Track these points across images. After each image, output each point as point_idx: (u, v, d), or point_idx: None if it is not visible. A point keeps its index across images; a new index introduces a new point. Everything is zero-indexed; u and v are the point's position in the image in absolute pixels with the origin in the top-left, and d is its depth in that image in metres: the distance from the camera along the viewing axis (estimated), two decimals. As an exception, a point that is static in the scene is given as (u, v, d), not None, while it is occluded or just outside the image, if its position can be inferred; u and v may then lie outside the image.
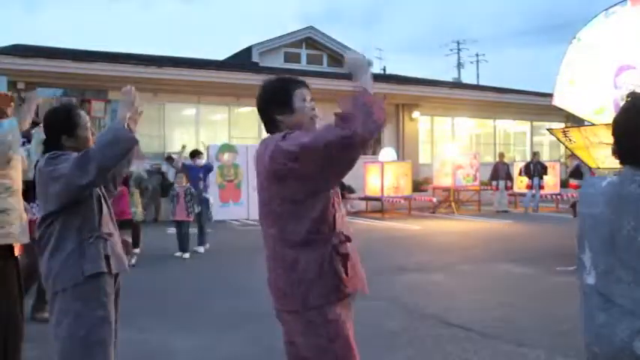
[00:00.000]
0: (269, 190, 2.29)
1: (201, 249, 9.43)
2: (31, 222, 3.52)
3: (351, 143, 2.02)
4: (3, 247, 3.21)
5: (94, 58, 16.15)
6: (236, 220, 14.32)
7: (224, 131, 17.87)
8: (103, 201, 2.83)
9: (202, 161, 10.41)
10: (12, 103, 3.49)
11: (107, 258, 2.70)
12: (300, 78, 2.52)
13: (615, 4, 8.86)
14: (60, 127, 2.79)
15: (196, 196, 9.27)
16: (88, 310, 2.60)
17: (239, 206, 14.97)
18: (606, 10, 8.98)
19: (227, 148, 15.35)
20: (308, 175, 2.12)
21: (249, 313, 5.63)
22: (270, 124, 2.35)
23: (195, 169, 9.82)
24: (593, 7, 9.94)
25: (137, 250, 8.66)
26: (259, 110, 2.39)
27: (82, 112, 2.87)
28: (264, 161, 2.21)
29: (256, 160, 2.34)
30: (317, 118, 2.41)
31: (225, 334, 4.93)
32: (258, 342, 4.76)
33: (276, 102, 2.31)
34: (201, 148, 12.73)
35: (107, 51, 19.58)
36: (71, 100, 9.11)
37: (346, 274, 2.24)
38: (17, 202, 3.27)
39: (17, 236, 3.26)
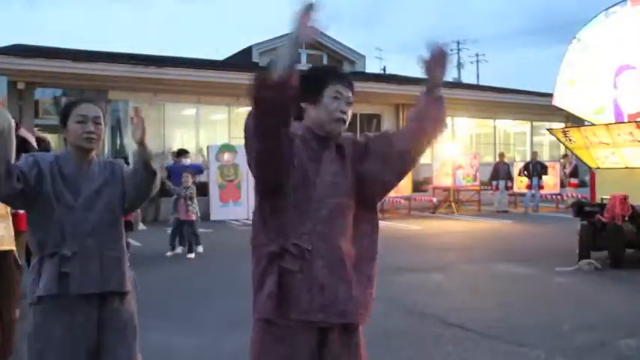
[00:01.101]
0: None
1: (199, 249, 9.41)
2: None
3: (247, 125, 1.89)
4: None
5: (94, 58, 16.15)
6: (236, 220, 14.32)
7: (224, 131, 17.87)
8: (88, 213, 2.50)
9: (188, 160, 10.38)
10: None
11: (65, 276, 2.41)
12: (347, 74, 2.26)
13: (615, 4, 8.87)
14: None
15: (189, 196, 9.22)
16: (35, 335, 2.43)
17: (239, 206, 14.97)
18: (606, 10, 8.98)
19: (227, 148, 15.34)
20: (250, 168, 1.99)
21: (249, 313, 5.61)
22: (295, 110, 2.12)
23: (177, 171, 9.78)
24: (593, 7, 9.93)
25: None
26: None
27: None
28: None
29: None
30: (344, 121, 2.14)
31: (226, 334, 4.92)
32: (258, 342, 4.76)
33: (306, 87, 2.05)
34: (203, 153, 12.75)
35: (107, 51, 19.57)
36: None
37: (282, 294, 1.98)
38: None
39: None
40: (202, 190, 14.55)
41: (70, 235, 2.44)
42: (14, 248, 3.42)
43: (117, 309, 2.53)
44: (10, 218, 3.44)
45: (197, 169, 10.42)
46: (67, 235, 2.44)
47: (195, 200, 9.42)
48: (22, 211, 3.43)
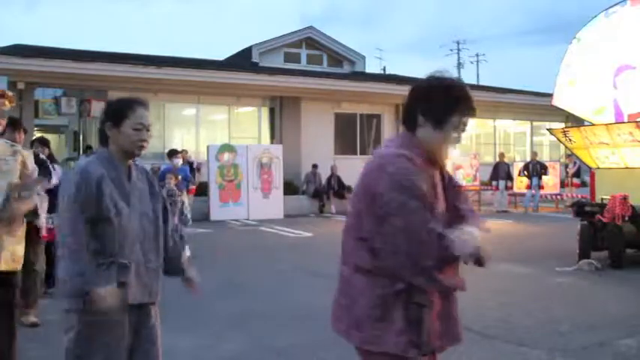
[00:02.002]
0: (353, 199, 2.11)
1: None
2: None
3: (423, 264, 1.89)
4: None
5: (94, 58, 16.15)
6: (236, 220, 14.32)
7: (224, 131, 17.87)
8: (136, 222, 2.48)
9: (179, 162, 10.30)
10: (9, 103, 3.31)
11: (123, 286, 2.41)
12: (472, 99, 2.05)
13: (615, 4, 8.87)
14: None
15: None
16: (79, 341, 2.40)
17: (239, 206, 14.97)
18: (606, 10, 8.98)
19: (227, 148, 15.34)
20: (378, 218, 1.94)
21: (249, 313, 5.63)
22: (409, 118, 2.06)
23: (162, 172, 9.71)
24: (593, 7, 9.94)
25: None
26: (409, 94, 2.09)
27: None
28: (369, 163, 2.06)
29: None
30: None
31: (225, 334, 4.93)
32: (258, 342, 4.76)
33: (430, 105, 1.99)
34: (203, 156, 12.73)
35: (107, 51, 19.58)
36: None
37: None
38: None
39: None
40: (202, 190, 14.57)
41: (125, 245, 2.43)
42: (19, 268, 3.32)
43: (149, 312, 2.59)
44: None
45: (183, 174, 10.21)
46: (122, 244, 2.42)
47: (181, 203, 9.19)
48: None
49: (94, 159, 2.49)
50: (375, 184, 1.94)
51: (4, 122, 3.12)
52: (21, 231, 3.20)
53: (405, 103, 2.08)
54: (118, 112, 2.47)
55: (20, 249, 3.13)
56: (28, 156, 3.26)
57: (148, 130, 2.50)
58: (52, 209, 4.15)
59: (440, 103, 1.98)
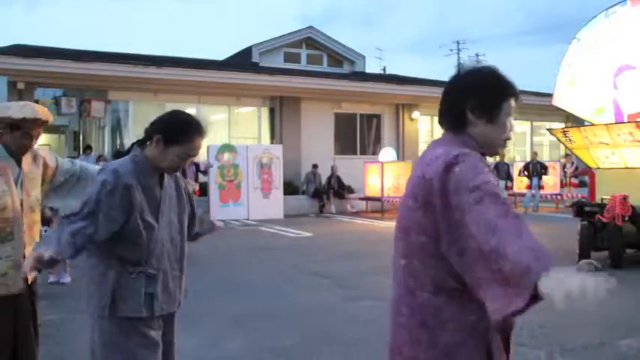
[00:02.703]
0: (411, 212, 1.78)
1: None
2: None
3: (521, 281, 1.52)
4: None
5: (94, 58, 16.15)
6: (236, 220, 14.32)
7: (224, 131, 17.87)
8: (146, 227, 2.36)
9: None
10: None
11: (151, 296, 2.34)
12: (513, 85, 1.87)
13: (615, 4, 8.87)
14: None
15: None
16: (106, 348, 2.33)
17: (239, 206, 14.97)
18: (606, 10, 8.99)
19: (227, 148, 15.34)
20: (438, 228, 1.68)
21: (249, 313, 5.63)
22: (454, 118, 1.84)
23: None
24: (593, 7, 9.94)
25: None
26: (447, 94, 1.88)
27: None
28: (423, 171, 1.76)
29: (416, 164, 1.87)
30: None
31: (225, 334, 4.93)
32: (258, 342, 4.76)
33: (479, 98, 1.80)
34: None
35: (107, 51, 19.59)
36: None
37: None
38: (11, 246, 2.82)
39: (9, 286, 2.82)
40: (202, 190, 14.57)
41: (154, 255, 2.35)
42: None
43: (173, 320, 2.54)
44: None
45: None
46: (151, 254, 2.34)
47: None
48: None
49: (128, 162, 2.34)
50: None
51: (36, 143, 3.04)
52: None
53: (446, 103, 1.88)
54: (175, 134, 2.34)
55: None
56: (48, 154, 3.18)
57: (190, 158, 2.45)
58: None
59: (489, 94, 1.81)
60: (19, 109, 2.81)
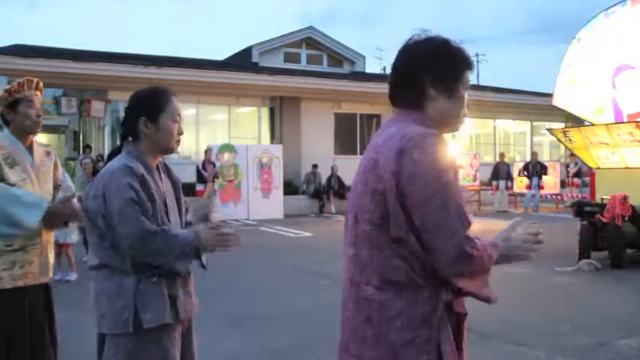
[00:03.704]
0: (360, 198, 1.64)
1: None
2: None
3: (456, 261, 1.53)
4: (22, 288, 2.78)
5: (94, 58, 16.17)
6: (236, 220, 14.32)
7: (224, 131, 17.87)
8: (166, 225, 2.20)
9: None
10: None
11: (174, 300, 2.17)
12: (469, 54, 1.75)
13: (615, 4, 8.87)
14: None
15: None
16: None
17: (239, 206, 14.97)
18: (606, 10, 8.99)
19: (227, 148, 15.34)
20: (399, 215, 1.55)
21: (249, 313, 5.63)
22: (412, 93, 1.66)
23: None
24: (593, 7, 9.94)
25: None
26: (405, 68, 1.68)
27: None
28: (374, 153, 1.61)
29: (368, 148, 1.70)
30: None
31: (225, 334, 4.93)
32: (258, 342, 4.76)
33: (439, 70, 1.64)
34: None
35: (107, 51, 19.59)
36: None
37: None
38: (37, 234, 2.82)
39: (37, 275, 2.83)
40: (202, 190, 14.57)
41: None
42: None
43: (191, 324, 2.49)
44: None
45: None
46: None
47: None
48: None
49: (131, 159, 2.16)
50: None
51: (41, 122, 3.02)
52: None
53: (399, 77, 1.70)
54: (155, 105, 2.19)
55: (52, 256, 3.08)
56: (57, 159, 3.19)
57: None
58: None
59: (449, 65, 1.66)
60: (9, 84, 2.87)
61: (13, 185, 2.73)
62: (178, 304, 2.19)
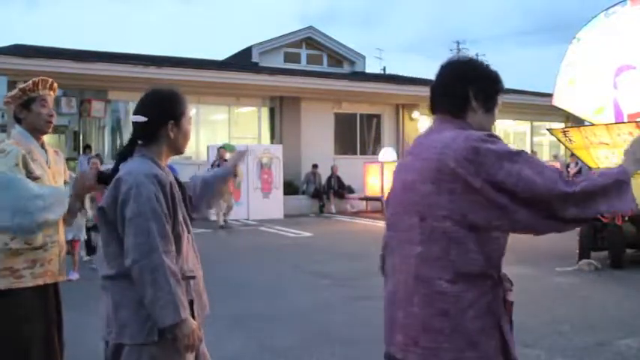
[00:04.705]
0: (429, 197, 1.71)
1: None
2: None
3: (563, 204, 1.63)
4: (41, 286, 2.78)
5: (94, 58, 16.16)
6: (236, 220, 14.32)
7: (224, 131, 17.87)
8: (186, 230, 2.21)
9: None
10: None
11: (191, 304, 2.14)
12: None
13: (615, 4, 8.87)
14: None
15: None
16: None
17: (239, 206, 14.95)
18: (606, 10, 8.99)
19: (227, 147, 15.33)
20: (494, 207, 1.66)
21: (249, 313, 5.63)
22: (458, 102, 1.84)
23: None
24: (593, 7, 9.94)
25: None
26: (447, 78, 1.88)
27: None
28: (440, 154, 1.70)
29: (417, 150, 1.83)
30: None
31: (225, 334, 4.92)
32: (258, 342, 4.77)
33: (482, 86, 1.85)
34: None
35: (107, 51, 19.59)
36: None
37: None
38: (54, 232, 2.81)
39: (55, 274, 2.83)
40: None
41: (189, 256, 2.19)
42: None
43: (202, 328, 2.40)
44: None
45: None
46: (187, 255, 2.17)
47: None
48: None
49: (150, 163, 2.13)
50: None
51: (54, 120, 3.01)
52: None
53: (447, 87, 1.87)
54: (180, 109, 2.20)
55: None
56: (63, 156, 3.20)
57: None
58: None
59: (490, 83, 1.88)
60: (23, 83, 2.90)
61: (36, 179, 2.73)
62: (195, 307, 2.17)
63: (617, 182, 1.64)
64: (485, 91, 1.86)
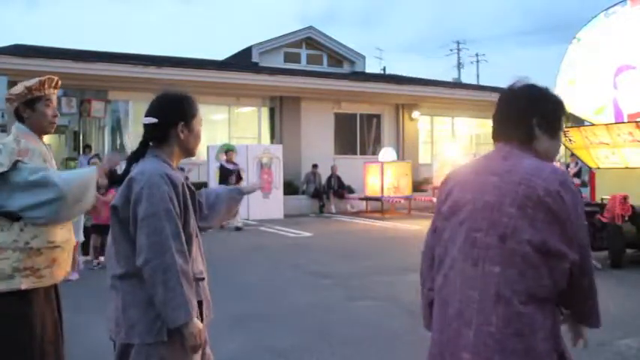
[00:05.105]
0: (514, 221, 1.76)
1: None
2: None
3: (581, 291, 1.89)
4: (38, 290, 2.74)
5: (94, 58, 16.15)
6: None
7: (224, 131, 17.87)
8: (194, 233, 2.21)
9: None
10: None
11: (200, 304, 2.16)
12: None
13: (615, 4, 8.88)
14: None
15: None
16: None
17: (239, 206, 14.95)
18: (606, 10, 9.00)
19: (227, 147, 15.32)
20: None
21: (249, 313, 5.63)
22: (523, 130, 1.88)
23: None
24: (593, 7, 9.94)
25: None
26: (516, 109, 1.92)
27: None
28: (529, 181, 1.76)
29: (494, 172, 1.87)
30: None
31: (225, 334, 4.92)
32: (258, 342, 4.76)
33: (545, 113, 1.89)
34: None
35: (107, 51, 19.58)
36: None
37: None
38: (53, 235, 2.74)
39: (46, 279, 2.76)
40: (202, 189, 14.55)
41: (198, 257, 2.21)
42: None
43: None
44: None
45: None
46: (196, 257, 2.18)
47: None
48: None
49: (163, 164, 2.15)
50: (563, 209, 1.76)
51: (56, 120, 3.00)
52: None
53: (510, 114, 1.92)
54: (190, 110, 2.23)
55: None
56: None
57: None
58: None
59: (553, 108, 1.92)
60: (28, 81, 2.86)
61: None
62: (204, 309, 2.19)
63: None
64: (548, 117, 1.90)
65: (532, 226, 1.72)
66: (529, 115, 1.87)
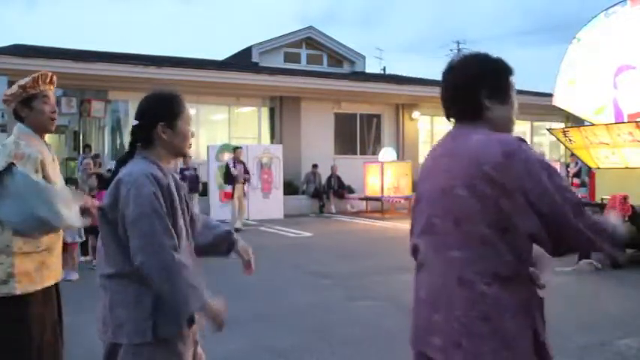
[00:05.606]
0: (464, 202, 1.74)
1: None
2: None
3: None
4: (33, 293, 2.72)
5: (94, 58, 16.15)
6: (236, 220, 14.31)
7: (224, 131, 17.87)
8: (185, 237, 2.21)
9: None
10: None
11: None
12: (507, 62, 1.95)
13: (615, 4, 8.88)
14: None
15: None
16: None
17: (239, 206, 14.95)
18: (606, 10, 9.00)
19: (227, 148, 15.33)
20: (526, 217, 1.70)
21: (249, 313, 5.63)
22: (470, 108, 1.85)
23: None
24: (593, 7, 9.94)
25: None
26: (459, 88, 1.87)
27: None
28: (474, 158, 1.73)
29: (446, 155, 1.86)
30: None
31: (225, 334, 4.92)
32: (257, 342, 4.76)
33: (490, 82, 1.84)
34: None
35: (107, 51, 19.58)
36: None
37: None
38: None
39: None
40: (202, 189, 14.55)
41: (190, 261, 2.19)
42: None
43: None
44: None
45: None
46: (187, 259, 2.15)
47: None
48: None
49: (151, 165, 2.13)
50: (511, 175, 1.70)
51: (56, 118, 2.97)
52: None
53: (457, 96, 1.89)
54: (172, 110, 2.20)
55: None
56: None
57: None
58: None
59: (497, 76, 1.87)
60: (22, 80, 2.83)
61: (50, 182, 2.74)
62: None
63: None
64: (494, 85, 1.85)
65: (483, 203, 1.70)
66: (474, 88, 1.83)
